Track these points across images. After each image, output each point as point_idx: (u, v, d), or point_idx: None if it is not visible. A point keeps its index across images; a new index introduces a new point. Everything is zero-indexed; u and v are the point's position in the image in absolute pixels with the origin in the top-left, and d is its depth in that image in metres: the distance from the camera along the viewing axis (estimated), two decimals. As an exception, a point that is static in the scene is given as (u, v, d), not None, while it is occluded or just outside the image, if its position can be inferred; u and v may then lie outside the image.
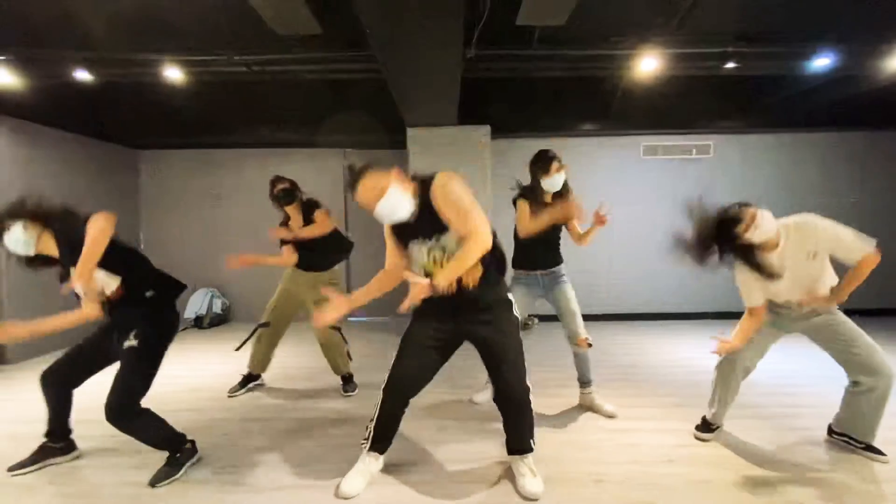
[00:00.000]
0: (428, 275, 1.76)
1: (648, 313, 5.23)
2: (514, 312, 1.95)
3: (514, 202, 2.66)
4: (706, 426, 2.37)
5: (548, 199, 2.65)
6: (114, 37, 3.06)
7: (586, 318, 2.78)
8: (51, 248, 1.97)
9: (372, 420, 1.95)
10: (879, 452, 2.11)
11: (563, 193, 2.64)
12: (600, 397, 2.74)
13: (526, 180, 2.73)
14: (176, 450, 2.06)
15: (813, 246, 1.94)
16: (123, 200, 5.17)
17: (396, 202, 1.70)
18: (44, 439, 2.15)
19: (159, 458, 2.06)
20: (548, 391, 3.04)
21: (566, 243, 2.79)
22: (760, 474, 2.03)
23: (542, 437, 2.40)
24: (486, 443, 2.30)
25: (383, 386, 1.91)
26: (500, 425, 1.99)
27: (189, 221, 5.45)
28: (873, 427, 2.11)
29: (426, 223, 1.75)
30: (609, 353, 3.97)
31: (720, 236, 1.92)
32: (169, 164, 5.43)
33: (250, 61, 3.24)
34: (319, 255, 2.97)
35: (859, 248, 1.92)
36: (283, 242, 2.95)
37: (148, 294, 2.04)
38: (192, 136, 5.17)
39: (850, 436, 2.18)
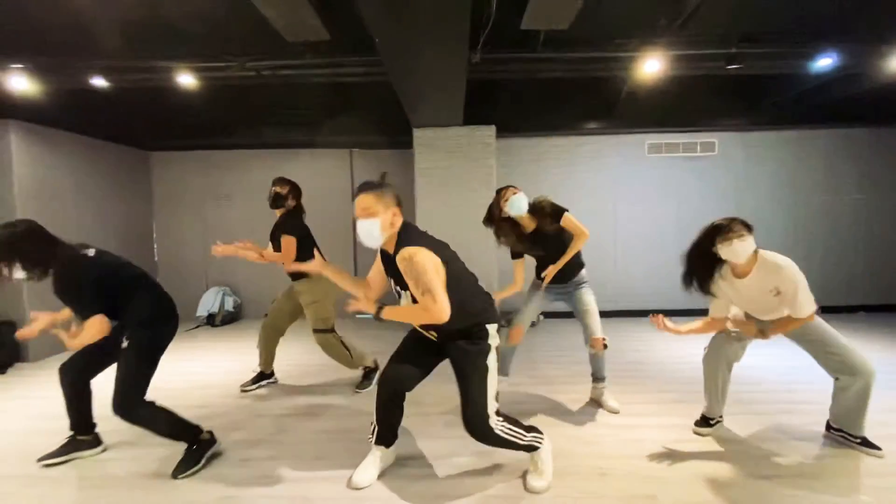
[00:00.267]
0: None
1: (654, 310, 5.25)
2: (488, 339, 1.89)
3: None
4: (704, 421, 2.45)
5: (527, 225, 2.66)
6: (129, 45, 3.15)
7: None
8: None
9: (373, 414, 2.04)
10: (874, 446, 2.17)
11: (536, 211, 2.64)
12: (608, 392, 2.81)
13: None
14: (192, 441, 2.16)
15: (777, 285, 2.06)
16: (136, 201, 5.29)
17: (371, 231, 1.76)
18: (71, 433, 2.26)
19: (177, 449, 2.16)
20: (554, 388, 3.12)
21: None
22: (758, 469, 2.10)
23: (548, 431, 2.46)
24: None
25: (377, 379, 2.02)
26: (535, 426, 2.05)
27: (200, 221, 5.56)
28: (859, 421, 2.19)
29: (396, 271, 1.81)
30: (615, 349, 4.00)
31: (705, 241, 2.08)
32: (180, 166, 5.53)
33: (260, 66, 3.31)
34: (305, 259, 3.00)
35: (806, 309, 2.06)
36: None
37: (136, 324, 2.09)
38: (202, 138, 5.27)
39: (844, 430, 2.25)
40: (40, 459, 2.20)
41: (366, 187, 1.80)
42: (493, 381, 1.87)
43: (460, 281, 1.83)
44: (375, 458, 2.05)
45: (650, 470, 2.09)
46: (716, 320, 2.30)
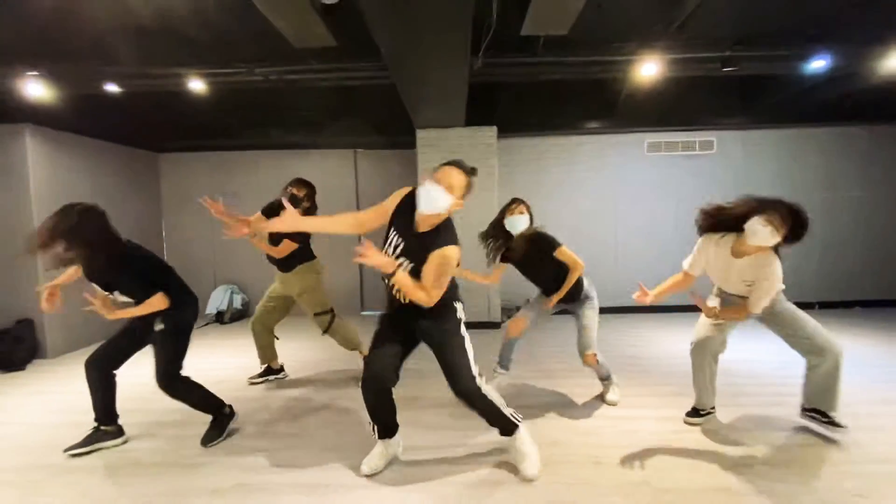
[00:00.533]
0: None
1: (653, 306, 5.36)
2: (457, 315, 2.05)
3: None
4: (695, 412, 2.57)
5: (517, 244, 2.73)
6: (141, 53, 3.25)
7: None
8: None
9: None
10: (838, 425, 2.29)
11: (526, 237, 2.72)
12: (614, 387, 2.91)
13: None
14: (217, 413, 2.44)
15: (756, 278, 2.19)
16: (145, 202, 5.41)
17: (438, 201, 1.83)
18: (95, 424, 2.39)
19: (194, 440, 2.35)
20: (554, 381, 3.23)
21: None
22: (745, 456, 2.21)
23: (546, 422, 2.61)
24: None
25: (360, 383, 2.06)
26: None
27: (209, 220, 5.65)
28: (832, 400, 2.30)
29: (417, 246, 1.90)
30: (614, 345, 4.13)
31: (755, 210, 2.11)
32: (188, 166, 5.66)
33: (267, 72, 3.42)
34: (286, 260, 3.12)
35: (759, 307, 2.21)
36: (281, 236, 3.06)
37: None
38: (210, 139, 5.38)
39: (818, 409, 2.35)
40: (67, 450, 2.33)
41: (463, 168, 1.90)
42: (470, 349, 2.05)
43: None
44: (382, 449, 2.17)
45: (644, 458, 2.20)
46: (688, 276, 2.42)
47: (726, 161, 5.29)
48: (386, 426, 2.16)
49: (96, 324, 4.49)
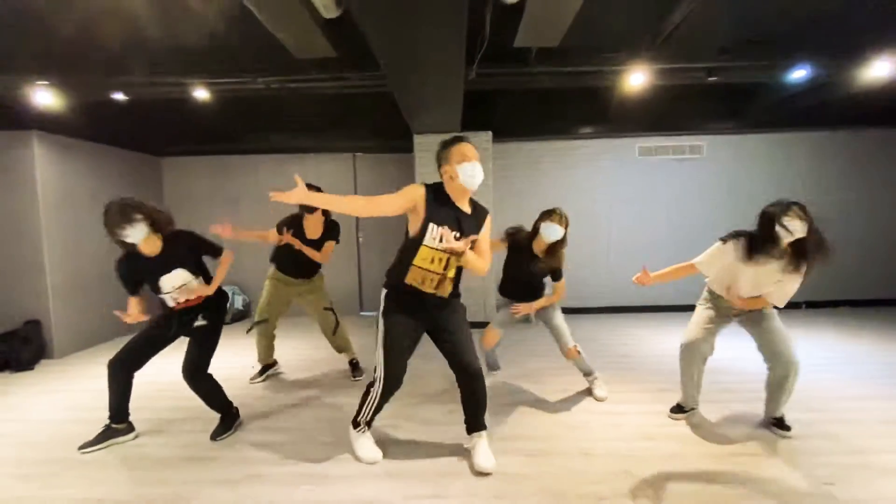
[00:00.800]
0: (429, 260, 2.09)
1: (644, 306, 5.51)
2: (463, 306, 2.32)
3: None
4: (679, 408, 2.70)
5: (538, 248, 2.86)
6: (149, 64, 3.37)
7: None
8: (151, 248, 2.39)
9: (367, 408, 2.27)
10: (785, 427, 2.45)
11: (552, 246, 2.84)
12: (598, 382, 3.04)
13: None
14: (226, 411, 2.63)
15: (784, 277, 2.28)
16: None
17: (480, 173, 2.10)
18: (107, 422, 2.50)
19: (201, 435, 2.48)
20: (544, 378, 3.36)
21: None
22: (725, 447, 2.34)
23: (537, 417, 2.74)
24: (504, 427, 2.62)
25: (382, 387, 2.18)
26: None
27: (209, 222, 5.73)
28: (776, 403, 2.47)
29: (473, 224, 2.15)
30: (605, 343, 4.26)
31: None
32: (190, 170, 5.76)
33: (269, 81, 3.54)
34: (307, 267, 3.30)
35: (784, 301, 2.34)
36: (321, 241, 3.25)
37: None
38: (211, 144, 5.49)
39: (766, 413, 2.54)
40: (81, 447, 2.44)
41: (470, 140, 2.16)
42: None
43: None
44: (369, 437, 2.35)
45: (628, 450, 2.33)
46: (693, 269, 2.45)
47: (715, 165, 5.44)
48: (374, 419, 2.35)
49: (100, 325, 4.61)
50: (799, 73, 3.42)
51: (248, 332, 3.44)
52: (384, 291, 2.22)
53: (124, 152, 5.13)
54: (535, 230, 2.84)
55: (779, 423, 2.47)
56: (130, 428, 2.56)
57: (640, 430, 2.54)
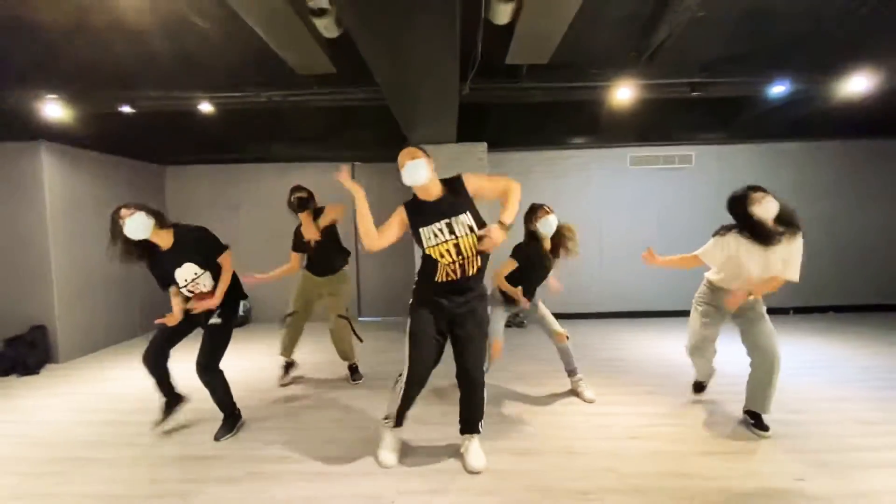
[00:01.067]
0: (440, 255, 2.18)
1: (635, 311, 5.65)
2: (487, 308, 2.40)
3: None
4: (699, 386, 3.06)
5: (546, 244, 2.99)
6: (156, 79, 3.51)
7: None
8: (164, 240, 2.53)
9: (395, 400, 2.36)
10: (763, 427, 2.57)
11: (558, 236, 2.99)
12: (585, 384, 3.17)
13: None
14: (231, 412, 2.72)
15: (787, 254, 2.44)
16: (151, 212, 5.63)
17: (418, 168, 2.13)
18: (163, 408, 2.76)
19: (206, 435, 2.62)
20: (536, 380, 3.48)
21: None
22: (705, 446, 2.47)
23: (527, 418, 2.86)
24: (497, 428, 2.73)
25: (406, 378, 2.28)
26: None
27: (211, 230, 5.90)
28: (763, 400, 2.56)
29: (449, 203, 2.19)
30: (596, 347, 4.39)
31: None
32: (192, 179, 5.89)
33: (272, 94, 3.68)
34: (325, 262, 3.45)
35: (797, 274, 2.47)
36: (295, 248, 3.42)
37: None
38: (213, 153, 5.62)
39: (750, 411, 2.64)
40: (154, 426, 2.74)
41: (409, 145, 2.24)
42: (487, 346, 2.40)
43: None
44: (393, 439, 2.42)
45: (613, 448, 2.45)
46: (697, 261, 2.64)
47: (704, 174, 5.59)
48: (402, 417, 2.40)
49: (104, 330, 4.71)
50: (778, 89, 3.58)
51: (282, 321, 3.55)
52: (413, 289, 2.36)
53: (128, 161, 5.26)
54: (534, 233, 2.93)
55: (758, 424, 2.59)
56: (181, 398, 2.82)
57: (626, 431, 2.66)
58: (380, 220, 2.23)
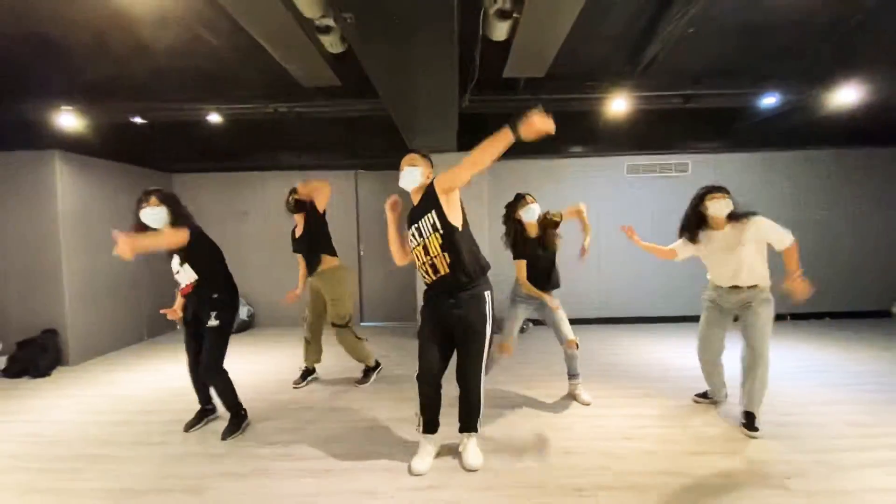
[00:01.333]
0: (416, 256, 2.32)
1: (633, 317, 5.73)
2: (487, 308, 2.33)
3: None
4: (704, 395, 3.12)
5: (531, 231, 3.14)
6: (167, 90, 3.65)
7: (575, 321, 3.28)
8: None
9: (417, 405, 2.44)
10: (753, 429, 2.64)
11: (544, 221, 3.19)
12: (582, 387, 3.24)
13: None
14: (236, 412, 2.82)
15: (748, 236, 2.61)
16: (159, 219, 5.76)
17: (413, 175, 2.30)
18: (199, 407, 2.96)
19: (213, 434, 2.71)
20: (534, 383, 3.57)
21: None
22: (699, 445, 2.54)
23: (525, 419, 2.94)
24: (495, 428, 2.80)
25: (416, 377, 2.38)
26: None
27: (218, 236, 5.97)
28: (750, 395, 2.66)
29: (421, 209, 2.28)
30: (594, 352, 4.46)
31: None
32: (199, 186, 6.02)
33: (278, 106, 3.81)
34: (308, 254, 3.52)
35: (787, 239, 2.59)
36: (294, 250, 3.56)
37: (214, 296, 2.76)
38: (221, 161, 5.76)
39: (746, 411, 2.70)
40: (185, 429, 2.86)
41: (416, 150, 2.40)
42: (485, 352, 2.39)
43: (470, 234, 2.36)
44: (427, 446, 2.45)
45: (607, 448, 2.53)
46: (672, 253, 3.02)
47: (700, 182, 5.51)
48: (430, 422, 2.43)
49: (113, 333, 4.82)
50: (769, 100, 3.69)
51: (301, 321, 3.69)
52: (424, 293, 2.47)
53: (137, 169, 5.39)
54: (519, 222, 3.11)
55: (749, 425, 2.66)
56: (215, 409, 3.01)
57: (620, 432, 2.74)
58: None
